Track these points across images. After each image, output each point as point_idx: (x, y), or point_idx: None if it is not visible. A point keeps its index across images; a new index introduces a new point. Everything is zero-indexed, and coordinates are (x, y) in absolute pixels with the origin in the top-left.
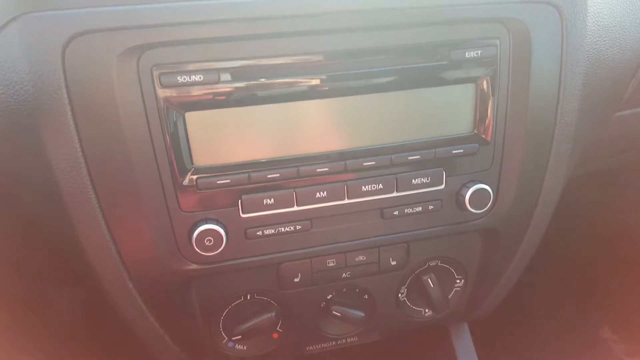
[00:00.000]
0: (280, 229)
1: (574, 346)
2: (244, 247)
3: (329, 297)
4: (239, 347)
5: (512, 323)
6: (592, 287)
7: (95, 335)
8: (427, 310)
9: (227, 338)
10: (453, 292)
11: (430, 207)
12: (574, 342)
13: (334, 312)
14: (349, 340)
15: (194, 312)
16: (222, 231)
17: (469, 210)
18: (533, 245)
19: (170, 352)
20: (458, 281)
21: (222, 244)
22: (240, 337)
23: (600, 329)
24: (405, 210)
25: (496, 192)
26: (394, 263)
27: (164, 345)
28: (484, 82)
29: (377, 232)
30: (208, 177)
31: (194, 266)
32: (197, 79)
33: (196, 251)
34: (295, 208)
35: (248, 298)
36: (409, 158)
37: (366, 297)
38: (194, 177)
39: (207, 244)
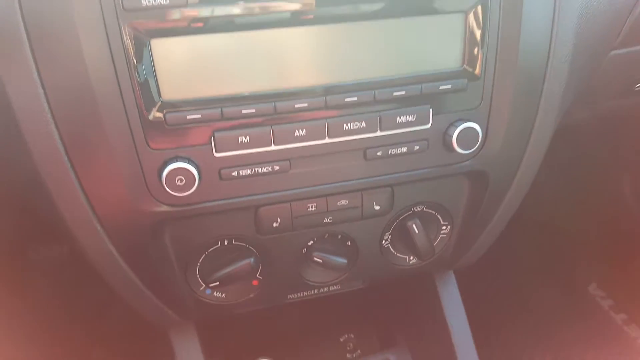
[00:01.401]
0: (257, 169)
1: (561, 302)
2: (218, 189)
3: (310, 244)
4: (217, 294)
5: (500, 276)
6: (581, 244)
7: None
8: (411, 258)
9: (204, 285)
10: (439, 239)
11: (416, 147)
12: (561, 298)
13: (315, 259)
14: (331, 288)
15: (169, 259)
16: (194, 170)
17: (456, 151)
18: (521, 191)
19: (150, 304)
20: (444, 227)
21: (194, 184)
22: (217, 283)
23: (589, 285)
24: (390, 151)
25: (485, 131)
26: (377, 208)
27: (142, 297)
28: (474, 13)
29: (360, 175)
30: (177, 111)
31: (165, 208)
32: (163, 2)
33: (167, 191)
34: (273, 147)
35: (225, 244)
36: (394, 94)
37: (349, 243)
38: (162, 111)
39: (178, 183)
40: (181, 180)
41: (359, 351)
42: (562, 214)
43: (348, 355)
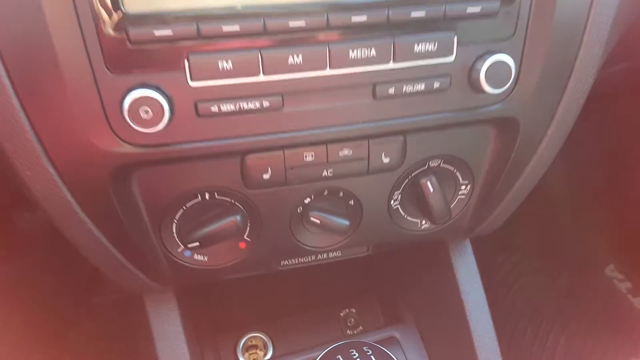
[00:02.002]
0: (241, 105)
1: (578, 283)
2: (195, 128)
3: (306, 202)
4: (198, 257)
5: (514, 255)
6: (600, 225)
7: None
8: (424, 222)
9: (182, 246)
10: (456, 200)
11: (436, 84)
12: (578, 279)
13: (312, 219)
14: (330, 255)
15: (140, 214)
16: (163, 101)
17: (483, 91)
18: (554, 148)
19: (120, 266)
20: (463, 187)
21: (163, 119)
22: (197, 244)
23: (607, 267)
24: (404, 89)
25: (518, 68)
26: (386, 161)
27: (110, 258)
28: None
29: (367, 117)
30: (143, 26)
31: (129, 148)
32: None
33: (131, 126)
34: (262, 77)
35: (207, 198)
36: (412, 15)
37: (352, 203)
38: (125, 26)
39: (143, 116)
40: (147, 112)
41: (360, 327)
42: (580, 194)
43: (349, 332)
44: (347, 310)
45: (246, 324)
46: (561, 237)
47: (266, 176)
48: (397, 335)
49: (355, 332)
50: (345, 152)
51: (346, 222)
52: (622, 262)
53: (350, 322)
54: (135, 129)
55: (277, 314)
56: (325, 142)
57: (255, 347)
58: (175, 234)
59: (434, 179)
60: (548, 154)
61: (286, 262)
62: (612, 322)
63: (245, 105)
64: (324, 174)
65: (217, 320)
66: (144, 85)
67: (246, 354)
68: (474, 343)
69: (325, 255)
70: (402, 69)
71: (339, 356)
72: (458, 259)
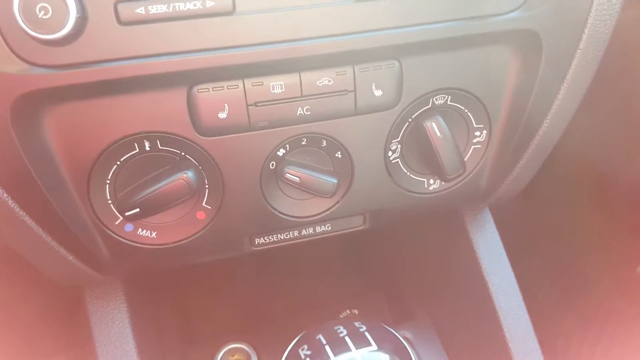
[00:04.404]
0: (176, 4)
1: (611, 282)
2: (117, 40)
3: (280, 153)
4: (143, 232)
5: (545, 254)
6: (631, 223)
7: None
8: (431, 181)
9: (120, 217)
10: (471, 150)
11: None
12: (610, 279)
13: (288, 175)
14: (318, 229)
15: (60, 173)
16: None
17: None
18: (585, 76)
19: (46, 249)
20: (477, 134)
21: (68, 18)
22: (137, 210)
23: (638, 266)
24: None
25: None
26: (378, 94)
27: (31, 237)
28: None
29: (348, 27)
30: None
31: (30, 69)
32: None
33: (26, 32)
34: None
35: (147, 149)
36: None
37: (339, 155)
38: None
39: (41, 16)
40: (45, 11)
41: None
42: (610, 193)
43: None
44: (348, 311)
45: (226, 333)
46: (590, 235)
47: (222, 115)
48: (409, 335)
49: None
50: (325, 81)
51: (333, 180)
52: None
53: None
54: (34, 38)
55: (263, 319)
56: (297, 70)
57: None
58: (109, 200)
59: (441, 120)
60: (578, 86)
61: (261, 239)
62: None
63: (181, 5)
64: (299, 113)
65: (192, 329)
66: None
67: None
68: (505, 333)
69: (311, 230)
70: None
71: (320, 335)
72: (477, 232)
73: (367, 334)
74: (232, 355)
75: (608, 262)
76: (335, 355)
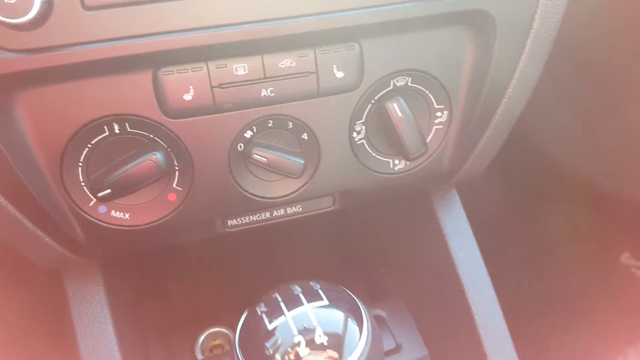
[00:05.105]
0: None
1: (593, 273)
2: (82, 24)
3: (247, 135)
4: (117, 214)
5: (526, 246)
6: (612, 212)
7: None
8: (396, 162)
9: (94, 199)
10: (433, 131)
11: None
12: (593, 269)
13: (256, 156)
14: (289, 210)
15: (32, 157)
16: None
17: None
18: (540, 55)
19: (22, 230)
20: (439, 114)
21: (33, 4)
22: (109, 191)
23: (621, 255)
24: None
25: None
26: (340, 76)
27: (15, 225)
28: None
29: (308, 9)
30: None
31: None
32: None
33: None
34: None
35: (117, 131)
36: None
37: (305, 137)
38: None
39: (6, 0)
40: None
41: None
42: (588, 181)
43: None
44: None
45: (207, 318)
46: (572, 228)
47: (188, 97)
48: (382, 314)
49: None
50: (287, 63)
51: (300, 161)
52: (638, 250)
53: None
54: (1, 23)
55: (243, 303)
56: (260, 53)
57: (221, 347)
58: (82, 183)
59: (402, 101)
60: (533, 65)
61: (234, 221)
62: (631, 308)
63: None
64: (263, 94)
65: (173, 314)
66: None
67: (210, 355)
68: (472, 308)
69: (282, 211)
70: None
71: (276, 294)
72: (444, 212)
73: (320, 291)
74: (214, 340)
75: (587, 251)
76: (288, 310)
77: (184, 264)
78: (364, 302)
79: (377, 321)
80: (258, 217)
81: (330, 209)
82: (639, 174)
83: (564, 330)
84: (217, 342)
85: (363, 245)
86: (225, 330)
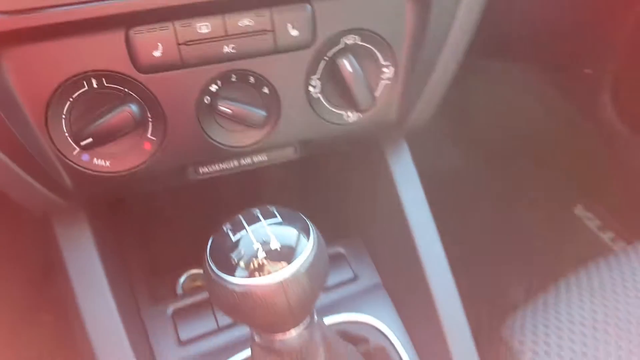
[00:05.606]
0: None
1: (548, 225)
2: None
3: (213, 89)
4: (98, 161)
5: (482, 202)
6: (564, 166)
7: None
8: (350, 113)
9: (77, 148)
10: (380, 85)
11: None
12: (547, 221)
13: (221, 108)
14: (255, 159)
15: (19, 109)
16: None
17: None
18: (471, 18)
19: (12, 176)
20: (385, 70)
21: None
22: (91, 140)
23: (575, 207)
24: None
25: None
26: (295, 34)
27: (8, 173)
28: None
29: None
30: None
31: None
32: None
33: None
34: None
35: (95, 86)
36: None
37: (266, 90)
38: None
39: None
40: None
41: None
42: (541, 137)
43: None
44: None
45: (187, 262)
46: (527, 183)
47: (157, 54)
48: (342, 251)
49: None
50: (246, 22)
51: (262, 112)
52: (590, 201)
53: None
54: None
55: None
56: (221, 13)
57: (201, 288)
58: (66, 133)
59: (352, 58)
60: (467, 24)
61: (205, 168)
62: (580, 253)
63: None
64: (225, 51)
65: (155, 259)
66: None
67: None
68: (416, 242)
69: (249, 160)
70: None
71: (239, 216)
72: (395, 159)
73: (275, 212)
74: (194, 281)
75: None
76: (248, 225)
77: (163, 213)
78: (326, 241)
79: (338, 257)
80: (227, 165)
81: (293, 158)
82: None
83: (513, 271)
84: (197, 283)
85: (326, 194)
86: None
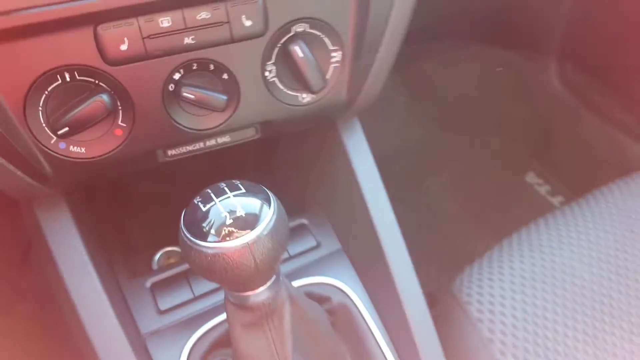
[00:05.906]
0: None
1: (501, 191)
2: None
3: (176, 77)
4: (74, 149)
5: (442, 176)
6: (517, 138)
7: None
8: (304, 95)
9: (54, 137)
10: (331, 69)
11: None
12: (499, 188)
13: (185, 94)
14: (220, 140)
15: (2, 104)
16: None
17: None
18: (406, 8)
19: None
20: (334, 54)
21: None
22: (67, 129)
23: (526, 174)
24: None
25: None
26: (249, 24)
27: None
28: None
29: None
30: None
31: None
32: None
33: None
34: None
35: (68, 80)
36: None
37: (226, 77)
38: None
39: None
40: None
41: None
42: (495, 110)
43: None
44: None
45: (162, 241)
46: (483, 154)
47: (123, 47)
48: (305, 222)
49: None
50: (203, 15)
51: (223, 97)
52: (541, 168)
53: None
54: None
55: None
56: (181, 7)
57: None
58: (43, 124)
59: (303, 44)
60: (402, 14)
61: (173, 150)
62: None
63: None
64: (185, 42)
65: (131, 239)
66: None
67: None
68: (369, 209)
69: (213, 142)
70: None
71: (208, 189)
72: (348, 135)
73: (240, 185)
74: (168, 258)
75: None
76: (217, 197)
77: (137, 197)
78: (289, 214)
79: (302, 227)
80: (193, 146)
81: (254, 137)
82: None
83: (466, 235)
84: (172, 260)
85: (288, 172)
86: (177, 249)
